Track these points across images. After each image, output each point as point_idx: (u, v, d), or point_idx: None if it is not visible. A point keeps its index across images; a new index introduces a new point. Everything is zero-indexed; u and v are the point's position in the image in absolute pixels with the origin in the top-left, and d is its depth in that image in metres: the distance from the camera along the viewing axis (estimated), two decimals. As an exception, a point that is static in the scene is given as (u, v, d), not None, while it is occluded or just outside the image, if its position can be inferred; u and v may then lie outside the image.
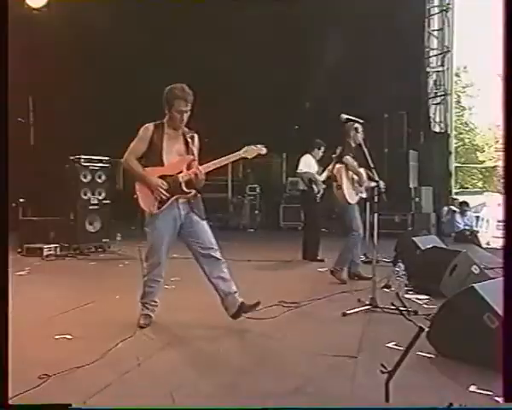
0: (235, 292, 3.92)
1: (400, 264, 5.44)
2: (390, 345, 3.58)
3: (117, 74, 13.02)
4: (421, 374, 3.05)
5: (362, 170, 5.75)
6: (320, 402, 2.67)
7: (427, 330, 3.55)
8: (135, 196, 3.94)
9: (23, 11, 11.60)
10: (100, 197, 8.80)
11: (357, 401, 2.68)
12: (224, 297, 3.89)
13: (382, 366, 2.42)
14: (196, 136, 4.04)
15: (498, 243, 12.57)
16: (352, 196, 5.71)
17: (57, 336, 3.78)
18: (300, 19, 12.45)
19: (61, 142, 12.16)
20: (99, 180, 8.82)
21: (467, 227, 11.82)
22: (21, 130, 13.60)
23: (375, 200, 4.72)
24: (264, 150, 3.95)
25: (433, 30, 13.73)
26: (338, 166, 5.71)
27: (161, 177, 3.77)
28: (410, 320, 3.10)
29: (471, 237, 11.27)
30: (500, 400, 2.79)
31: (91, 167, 8.70)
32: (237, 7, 12.06)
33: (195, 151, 3.98)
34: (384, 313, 4.45)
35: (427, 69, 13.26)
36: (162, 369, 3.15)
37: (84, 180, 8.58)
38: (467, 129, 33.20)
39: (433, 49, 13.67)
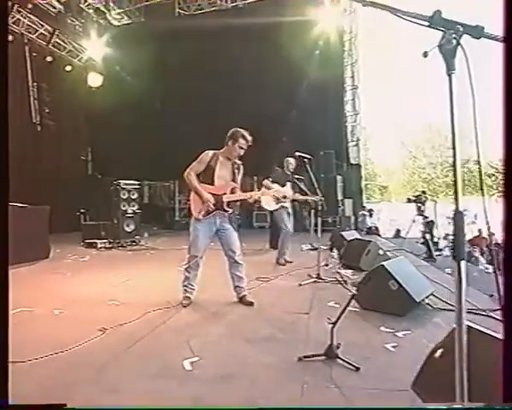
0: (242, 287, 3.62)
1: (335, 250, 5.48)
2: (330, 304, 3.58)
3: (145, 127, 12.80)
4: (350, 321, 3.02)
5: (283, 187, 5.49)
6: (285, 344, 2.65)
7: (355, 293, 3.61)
8: (188, 203, 3.62)
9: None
10: (133, 208, 8.60)
11: (311, 342, 2.65)
12: (234, 286, 3.63)
13: (328, 318, 2.41)
14: (241, 166, 3.66)
15: (390, 234, 12.90)
16: (270, 205, 5.56)
17: (109, 302, 3.67)
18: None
19: (108, 172, 12.07)
20: (133, 196, 8.62)
21: (372, 225, 11.99)
22: (82, 164, 13.41)
23: (319, 208, 4.72)
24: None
25: (348, 100, 14.03)
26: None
27: (210, 194, 3.45)
28: (346, 288, 3.05)
29: (375, 231, 11.49)
30: (400, 335, 2.83)
31: (127, 188, 8.53)
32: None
33: (239, 179, 3.62)
34: (326, 283, 4.44)
35: (346, 124, 13.46)
36: (182, 325, 3.05)
37: (123, 197, 8.39)
38: (370, 162, 33.94)
39: (349, 112, 13.91)
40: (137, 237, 8.67)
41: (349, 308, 3.36)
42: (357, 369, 2.20)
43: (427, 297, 3.48)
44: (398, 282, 3.22)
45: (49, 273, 5.26)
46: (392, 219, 19.01)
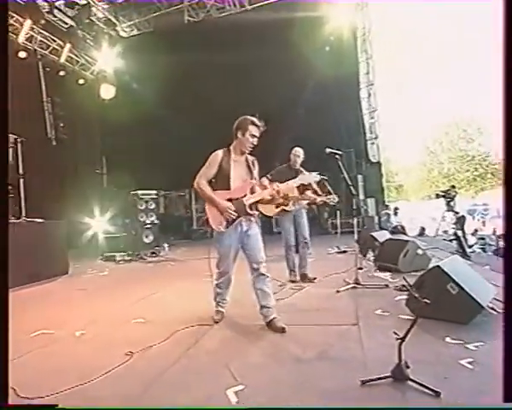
0: (270, 308, 2.96)
1: (370, 252, 5.09)
2: (378, 312, 3.20)
3: (158, 137, 12.62)
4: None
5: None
6: (340, 363, 2.28)
7: (405, 298, 3.21)
8: (205, 218, 3.09)
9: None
10: (152, 219, 8.38)
11: (369, 359, 2.28)
12: (260, 306, 2.99)
13: (395, 333, 2.03)
14: (255, 160, 3.14)
15: (412, 232, 12.25)
16: (267, 210, 4.46)
17: (134, 321, 3.36)
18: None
19: (123, 184, 11.93)
20: (150, 207, 8.40)
21: (398, 223, 11.47)
22: (97, 178, 13.30)
23: (354, 207, 4.34)
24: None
25: (364, 97, 13.59)
26: None
27: (228, 200, 2.94)
28: (415, 296, 2.54)
29: (402, 230, 10.96)
30: (471, 347, 2.44)
31: (145, 198, 8.30)
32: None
33: (256, 174, 3.10)
34: (366, 288, 4.04)
35: (365, 122, 13.02)
36: (217, 344, 2.69)
37: (141, 208, 8.18)
38: (387, 160, 33.23)
39: (366, 109, 13.47)
40: (157, 248, 8.43)
41: (402, 317, 3.04)
42: (438, 394, 1.81)
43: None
44: (458, 285, 2.81)
45: (68, 290, 5.02)
46: (412, 218, 18.50)
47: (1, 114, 1.19)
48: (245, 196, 2.98)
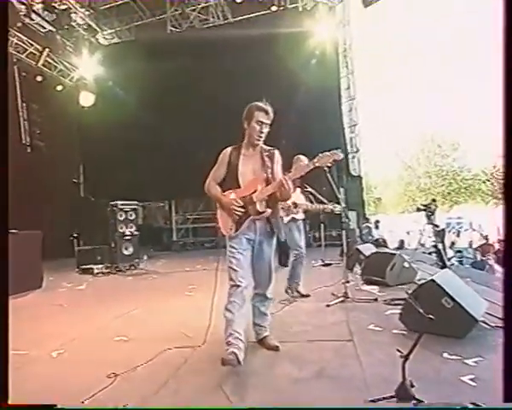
0: (264, 327, 2.79)
1: (357, 265, 5.05)
2: (370, 327, 3.13)
3: (138, 148, 12.34)
4: (403, 348, 2.57)
5: None
6: (341, 381, 2.18)
7: (399, 312, 3.15)
8: (217, 223, 2.66)
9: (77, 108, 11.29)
10: (131, 230, 8.08)
11: (368, 377, 2.19)
12: (253, 323, 2.81)
13: (398, 350, 1.96)
14: (277, 152, 2.68)
15: (391, 245, 12.40)
16: None
17: (116, 338, 3.15)
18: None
19: (100, 193, 11.54)
20: (130, 218, 8.12)
21: (379, 237, 11.62)
22: (75, 187, 12.86)
23: (344, 219, 4.32)
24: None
25: (345, 111, 13.84)
26: None
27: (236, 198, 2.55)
28: (420, 312, 2.43)
29: (383, 243, 11.09)
30: (470, 363, 2.40)
31: (125, 209, 8.02)
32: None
33: (276, 167, 2.62)
34: (354, 302, 3.97)
35: (346, 136, 13.23)
36: (208, 364, 2.50)
37: (120, 218, 7.88)
38: (365, 174, 33.86)
39: (347, 123, 13.72)
40: (136, 260, 8.14)
41: (395, 332, 2.98)
42: (445, 415, 1.75)
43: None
44: (453, 298, 2.79)
45: (43, 305, 4.72)
46: (390, 231, 18.89)
47: (1, 114, 1.14)
48: (255, 192, 2.53)
